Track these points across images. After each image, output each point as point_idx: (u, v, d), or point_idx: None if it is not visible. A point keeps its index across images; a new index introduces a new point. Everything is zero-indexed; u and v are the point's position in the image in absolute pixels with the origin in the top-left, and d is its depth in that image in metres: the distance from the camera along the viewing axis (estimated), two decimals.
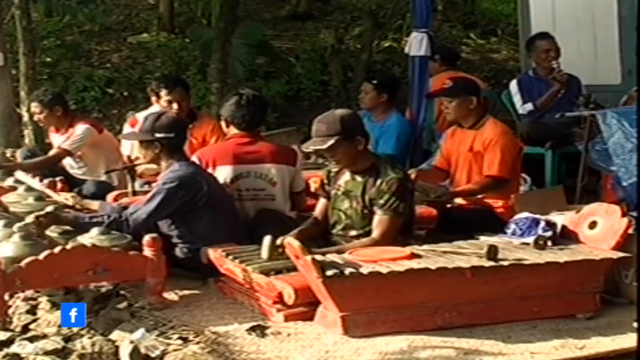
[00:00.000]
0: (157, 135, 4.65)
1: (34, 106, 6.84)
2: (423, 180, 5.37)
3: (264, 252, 4.10)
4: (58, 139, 6.78)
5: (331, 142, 4.33)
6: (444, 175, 5.53)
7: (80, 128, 6.64)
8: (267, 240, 4.12)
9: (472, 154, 5.29)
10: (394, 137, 6.35)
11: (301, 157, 5.31)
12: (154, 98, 6.81)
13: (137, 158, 6.04)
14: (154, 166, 5.10)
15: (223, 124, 5.19)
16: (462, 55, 10.06)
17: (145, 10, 12.62)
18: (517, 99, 6.89)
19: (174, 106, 6.16)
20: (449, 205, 5.33)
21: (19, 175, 5.84)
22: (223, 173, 4.92)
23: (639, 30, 5.81)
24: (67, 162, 6.71)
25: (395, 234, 4.30)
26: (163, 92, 6.29)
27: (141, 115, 6.63)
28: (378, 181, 4.34)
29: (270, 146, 5.12)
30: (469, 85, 5.55)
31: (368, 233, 4.37)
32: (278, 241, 4.11)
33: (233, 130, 5.10)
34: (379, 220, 4.30)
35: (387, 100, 6.55)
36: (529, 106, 6.76)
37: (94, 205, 5.34)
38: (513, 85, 6.96)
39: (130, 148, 6.48)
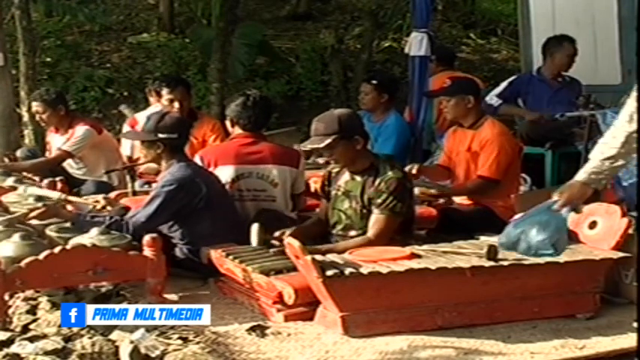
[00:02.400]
0: (160, 135, 4.65)
1: (37, 105, 6.77)
2: (425, 175, 5.37)
3: (254, 239, 4.13)
4: (57, 140, 6.77)
5: (328, 140, 4.33)
6: (448, 173, 5.53)
7: (80, 130, 6.63)
8: (255, 227, 4.16)
9: (470, 153, 5.29)
10: (392, 138, 6.34)
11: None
12: (152, 98, 6.81)
13: (138, 159, 6.06)
14: (154, 165, 5.09)
15: (228, 123, 5.20)
16: (461, 55, 10.08)
17: (145, 10, 12.63)
18: (497, 89, 6.89)
19: (176, 105, 6.17)
20: (449, 205, 5.33)
21: (36, 190, 5.63)
22: (225, 173, 4.92)
23: (639, 30, 5.81)
24: (67, 162, 6.70)
25: (391, 234, 4.30)
26: (165, 91, 6.29)
27: (140, 115, 6.63)
28: (377, 181, 4.34)
29: (272, 147, 5.12)
30: (467, 85, 5.56)
31: None
32: (277, 233, 4.14)
33: (238, 130, 5.11)
34: (375, 219, 4.31)
35: (387, 100, 6.53)
36: (495, 101, 6.74)
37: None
38: (507, 81, 6.97)
39: (129, 148, 6.48)
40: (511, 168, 5.29)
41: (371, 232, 4.30)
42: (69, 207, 5.01)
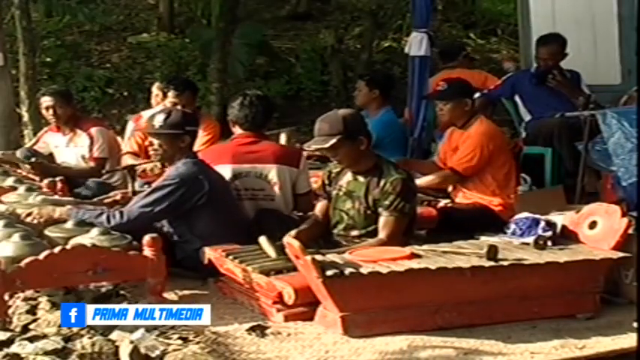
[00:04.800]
0: (187, 128, 4.66)
1: (50, 100, 6.53)
2: (415, 169, 5.37)
3: (270, 252, 4.12)
4: (57, 139, 6.70)
5: (333, 141, 4.33)
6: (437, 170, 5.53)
7: (98, 133, 6.54)
8: (264, 240, 4.14)
9: (456, 152, 5.30)
10: (383, 132, 6.33)
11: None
12: (157, 99, 6.77)
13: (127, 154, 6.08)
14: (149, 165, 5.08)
15: (230, 124, 5.21)
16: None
17: (145, 10, 12.63)
18: (497, 83, 6.89)
19: (179, 108, 6.13)
20: (449, 205, 5.33)
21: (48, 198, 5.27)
22: (222, 173, 4.91)
23: (639, 30, 5.82)
24: (67, 162, 6.66)
25: (401, 234, 4.31)
26: (172, 94, 6.28)
27: (146, 114, 6.60)
28: (382, 182, 4.34)
29: (273, 146, 5.12)
30: (463, 88, 5.49)
31: (370, 233, 4.38)
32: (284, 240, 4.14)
33: (238, 131, 5.11)
34: (385, 222, 4.31)
35: (379, 96, 6.63)
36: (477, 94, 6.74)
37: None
38: (507, 75, 6.95)
39: (130, 147, 6.47)
40: (509, 167, 5.29)
41: (383, 233, 4.30)
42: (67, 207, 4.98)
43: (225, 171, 4.93)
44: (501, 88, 6.95)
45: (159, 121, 4.66)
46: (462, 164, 5.21)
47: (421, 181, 5.34)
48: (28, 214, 4.56)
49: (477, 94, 6.68)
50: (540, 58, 6.72)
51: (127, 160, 6.16)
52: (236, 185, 4.94)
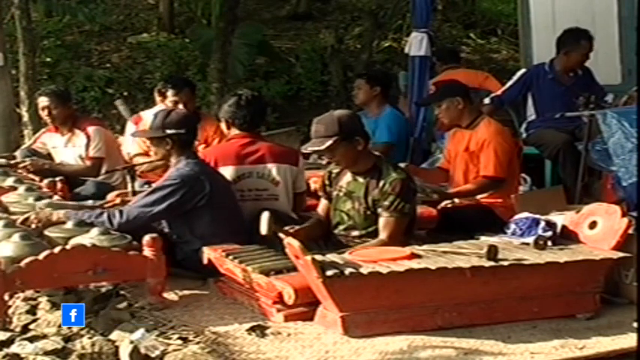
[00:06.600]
0: (168, 131, 4.66)
1: (46, 100, 6.51)
2: (422, 178, 5.36)
3: (263, 227, 4.13)
4: (56, 140, 6.68)
5: (329, 142, 4.33)
6: (445, 175, 5.53)
7: (95, 132, 6.52)
8: (265, 215, 4.17)
9: (468, 153, 5.29)
10: (387, 128, 6.38)
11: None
12: (159, 98, 6.79)
13: (138, 155, 6.08)
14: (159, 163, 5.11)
15: (224, 125, 5.20)
16: (461, 55, 10.05)
17: (145, 10, 12.63)
18: (508, 84, 6.82)
19: (180, 106, 6.15)
20: (449, 205, 5.33)
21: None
22: (225, 174, 4.91)
23: (639, 30, 5.81)
24: (66, 163, 6.65)
25: (402, 235, 4.32)
26: (170, 92, 6.29)
27: (145, 114, 6.61)
28: (381, 183, 4.34)
29: (272, 146, 5.12)
30: (452, 87, 5.58)
31: (370, 233, 4.39)
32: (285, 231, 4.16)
33: (234, 131, 5.11)
34: (386, 222, 4.31)
35: (380, 93, 6.65)
36: (488, 101, 6.69)
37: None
38: (519, 73, 6.83)
39: (131, 145, 6.47)
40: (510, 167, 5.29)
41: (383, 234, 4.31)
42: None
43: (229, 172, 4.93)
44: (514, 89, 6.77)
45: (144, 123, 4.75)
46: (495, 168, 5.16)
47: (457, 193, 5.32)
48: (25, 220, 4.53)
49: (487, 100, 6.69)
50: (584, 54, 6.55)
51: (138, 161, 6.16)
52: (240, 186, 4.94)
